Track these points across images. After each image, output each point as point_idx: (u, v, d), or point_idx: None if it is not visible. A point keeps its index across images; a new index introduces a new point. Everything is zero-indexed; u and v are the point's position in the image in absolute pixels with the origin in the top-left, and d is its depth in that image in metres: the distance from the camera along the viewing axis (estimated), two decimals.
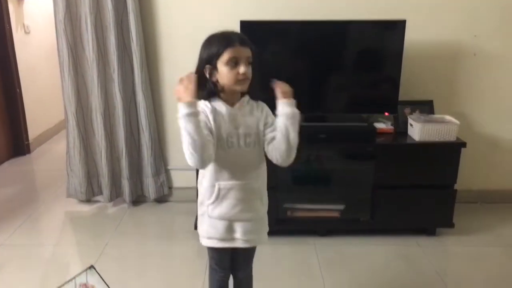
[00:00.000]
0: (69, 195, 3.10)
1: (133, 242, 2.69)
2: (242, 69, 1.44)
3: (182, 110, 1.36)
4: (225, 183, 1.53)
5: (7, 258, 2.50)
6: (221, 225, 1.57)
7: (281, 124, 1.49)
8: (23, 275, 2.35)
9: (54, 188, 3.39)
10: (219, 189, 1.53)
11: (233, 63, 1.44)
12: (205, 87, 1.50)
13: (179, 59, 2.90)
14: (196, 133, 1.35)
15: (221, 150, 1.50)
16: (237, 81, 1.46)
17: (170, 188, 3.16)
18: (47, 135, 4.56)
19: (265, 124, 1.54)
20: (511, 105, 2.96)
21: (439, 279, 2.31)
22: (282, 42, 2.69)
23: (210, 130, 1.47)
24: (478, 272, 2.39)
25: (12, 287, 2.25)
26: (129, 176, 3.00)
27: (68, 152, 3.03)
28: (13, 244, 2.65)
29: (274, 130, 1.52)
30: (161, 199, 3.15)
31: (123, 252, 2.57)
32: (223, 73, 1.46)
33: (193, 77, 1.42)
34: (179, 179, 3.15)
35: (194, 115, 1.36)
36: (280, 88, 1.51)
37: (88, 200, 3.13)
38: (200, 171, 1.59)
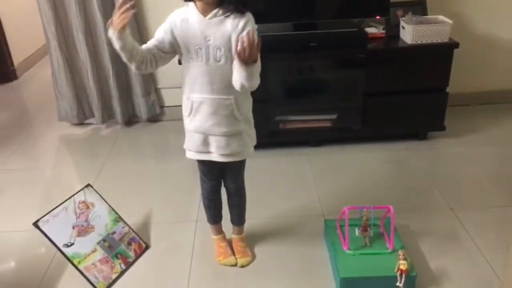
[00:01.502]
0: (60, 119, 3.09)
1: (128, 161, 2.73)
2: None
3: (113, 42, 1.41)
4: (197, 96, 1.52)
5: (5, 182, 2.55)
6: (196, 138, 1.59)
7: (235, 77, 1.42)
8: (22, 198, 2.41)
9: (45, 113, 3.37)
10: (192, 102, 1.54)
11: None
12: None
13: None
14: (123, 54, 1.43)
15: (191, 62, 1.48)
16: None
17: (161, 107, 3.14)
18: (33, 60, 4.44)
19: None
20: (507, 3, 2.84)
21: (429, 180, 2.37)
22: None
23: (172, 43, 1.47)
24: (467, 172, 2.44)
25: (13, 209, 2.32)
26: (119, 96, 2.97)
27: (53, 74, 2.96)
28: (10, 169, 2.68)
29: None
30: (153, 119, 3.15)
31: (119, 172, 2.61)
32: None
33: (127, 5, 1.34)
34: (170, 98, 3.12)
35: (122, 48, 1.41)
36: (239, 48, 1.34)
37: (81, 123, 3.12)
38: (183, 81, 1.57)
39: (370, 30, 2.63)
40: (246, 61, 1.34)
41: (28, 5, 4.17)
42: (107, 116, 3.07)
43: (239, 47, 1.33)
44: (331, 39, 2.51)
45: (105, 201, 2.00)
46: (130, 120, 3.13)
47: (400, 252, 1.72)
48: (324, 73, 2.60)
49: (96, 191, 1.99)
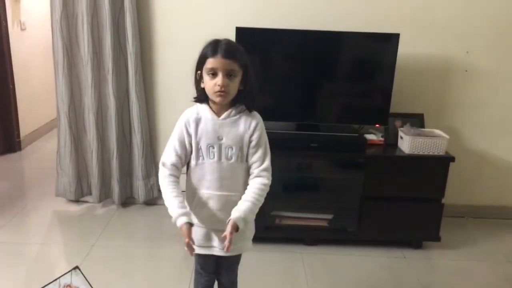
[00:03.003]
0: (58, 194, 3.09)
1: (120, 243, 2.68)
2: (218, 80, 1.44)
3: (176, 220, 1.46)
4: (204, 192, 1.54)
5: None
6: (199, 232, 1.58)
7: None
8: (7, 273, 2.33)
9: (43, 187, 3.37)
10: (199, 198, 1.55)
11: (212, 73, 1.45)
12: (197, 90, 1.53)
13: (173, 62, 2.93)
14: None
15: (201, 159, 1.52)
16: (214, 92, 1.46)
17: (159, 191, 3.15)
18: (39, 133, 4.54)
19: (250, 142, 1.53)
20: (499, 122, 3.00)
21: None
22: (277, 50, 2.71)
23: (184, 143, 1.52)
24: (461, 285, 2.40)
25: None
26: (119, 177, 3.00)
27: (58, 151, 3.02)
28: (0, 242, 2.63)
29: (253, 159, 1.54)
30: (150, 202, 3.15)
31: (109, 254, 2.56)
32: (205, 82, 1.48)
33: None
34: None
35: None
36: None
37: (77, 200, 3.12)
38: (186, 177, 1.60)
39: (369, 136, 2.74)
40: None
41: (44, 80, 4.40)
42: (104, 195, 3.08)
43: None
44: (332, 142, 2.61)
45: (90, 285, 1.94)
46: (127, 201, 3.14)
47: None
48: (323, 173, 2.66)
49: (83, 275, 1.93)
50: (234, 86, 1.48)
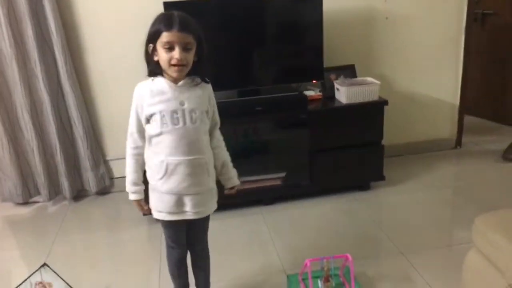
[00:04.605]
0: (4, 199, 2.97)
1: (80, 236, 2.66)
2: (176, 54, 1.46)
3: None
4: (173, 158, 1.56)
5: None
6: (170, 199, 1.62)
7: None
8: None
9: None
10: (167, 165, 1.57)
11: (169, 47, 1.46)
12: (149, 64, 1.53)
13: (102, 45, 2.86)
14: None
15: (165, 127, 1.54)
16: (171, 65, 1.48)
17: (111, 178, 3.13)
18: None
19: (209, 104, 1.64)
20: (422, 62, 3.23)
21: (377, 227, 2.53)
22: (206, 22, 2.70)
23: (140, 118, 1.57)
24: (410, 216, 2.64)
25: None
26: (67, 172, 2.93)
27: None
28: None
29: (213, 126, 1.71)
30: (103, 191, 3.12)
31: (71, 248, 2.53)
32: (161, 55, 1.49)
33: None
34: (119, 169, 3.11)
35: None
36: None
37: (26, 202, 3.01)
38: (146, 148, 1.63)
39: (308, 93, 2.86)
40: None
41: None
42: (54, 192, 3.00)
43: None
44: (274, 103, 2.70)
45: (62, 279, 1.94)
46: (79, 194, 3.08)
47: None
48: (271, 134, 2.75)
49: (53, 270, 1.93)
50: (190, 58, 1.51)
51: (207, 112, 1.62)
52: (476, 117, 4.02)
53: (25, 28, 2.66)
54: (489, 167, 3.18)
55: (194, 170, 1.59)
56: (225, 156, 1.77)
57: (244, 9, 2.67)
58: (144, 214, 2.59)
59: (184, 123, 1.55)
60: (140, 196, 1.67)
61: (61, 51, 2.71)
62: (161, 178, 1.59)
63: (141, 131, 1.61)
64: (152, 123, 1.56)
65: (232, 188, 1.82)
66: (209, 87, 1.65)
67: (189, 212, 1.65)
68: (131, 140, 1.63)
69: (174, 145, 1.55)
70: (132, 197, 1.67)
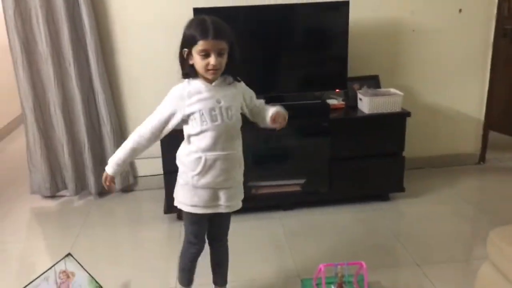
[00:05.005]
0: (33, 192, 3.09)
1: (103, 231, 2.74)
2: (212, 60, 1.55)
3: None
4: (211, 154, 1.64)
5: None
6: (206, 193, 1.69)
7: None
8: None
9: (16, 186, 3.35)
10: (206, 160, 1.64)
11: (204, 54, 1.54)
12: (184, 68, 1.61)
13: (134, 48, 2.96)
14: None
15: (205, 125, 1.61)
16: (207, 70, 1.57)
17: (135, 177, 3.22)
18: (2, 135, 4.45)
19: (244, 99, 1.73)
20: (448, 75, 3.23)
21: (394, 238, 2.53)
22: (235, 27, 2.76)
23: (180, 120, 1.64)
24: (428, 229, 2.63)
25: None
26: (93, 168, 3.04)
27: (28, 148, 3.01)
28: None
29: (255, 104, 1.78)
30: (127, 189, 3.21)
31: (94, 242, 2.62)
32: (196, 61, 1.57)
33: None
34: (144, 168, 3.21)
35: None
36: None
37: (53, 196, 3.13)
38: (183, 145, 1.71)
39: (331, 101, 2.90)
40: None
41: (3, 81, 4.30)
42: (80, 187, 3.11)
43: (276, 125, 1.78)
44: (297, 110, 2.73)
45: (85, 270, 2.02)
46: (103, 190, 3.16)
47: None
48: (292, 140, 2.79)
49: (76, 260, 2.01)
50: (224, 61, 1.59)
51: (241, 108, 1.71)
52: (503, 133, 3.97)
53: (62, 28, 2.79)
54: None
55: (230, 164, 1.68)
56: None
57: (271, 17, 2.74)
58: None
59: (222, 120, 1.62)
60: (116, 175, 1.76)
61: (94, 51, 2.83)
62: (198, 174, 1.66)
63: (158, 130, 1.66)
64: (190, 123, 1.63)
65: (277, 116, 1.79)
66: (241, 84, 1.73)
67: (223, 205, 1.72)
68: (143, 129, 1.68)
69: (214, 141, 1.63)
70: (110, 171, 1.74)
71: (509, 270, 1.41)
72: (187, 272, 1.93)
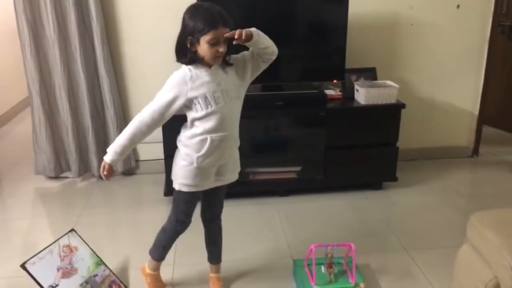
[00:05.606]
0: (37, 172, 3.19)
1: (105, 212, 2.85)
2: (221, 48, 1.62)
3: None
4: (217, 135, 1.72)
5: None
6: (210, 172, 1.80)
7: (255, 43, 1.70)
8: (1, 247, 2.46)
9: (20, 167, 3.46)
10: (212, 141, 1.72)
11: (214, 43, 1.61)
12: (186, 54, 1.67)
13: (139, 33, 3.04)
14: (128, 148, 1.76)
15: (209, 108, 1.68)
16: (216, 57, 1.65)
17: (136, 161, 3.31)
18: (6, 118, 4.54)
19: (241, 70, 1.76)
20: (444, 70, 3.30)
21: (385, 225, 2.63)
22: (236, 17, 2.83)
23: (183, 105, 1.68)
24: (417, 217, 2.73)
25: None
26: (96, 151, 3.13)
27: (34, 129, 3.11)
28: None
29: (249, 57, 1.77)
30: (128, 172, 3.30)
31: (96, 222, 2.72)
32: (204, 49, 1.63)
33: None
34: (145, 153, 3.30)
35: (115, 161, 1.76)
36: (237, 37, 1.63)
37: (57, 176, 3.23)
38: (185, 129, 1.77)
39: (329, 92, 2.98)
40: (246, 41, 1.63)
41: (3, 63, 4.39)
42: (84, 169, 3.21)
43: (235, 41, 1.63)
44: (295, 99, 2.83)
45: (87, 245, 2.11)
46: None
47: (362, 285, 1.93)
48: (289, 128, 2.88)
49: (79, 236, 2.11)
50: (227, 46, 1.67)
51: (245, 75, 1.76)
52: (496, 128, 4.04)
53: (69, 14, 2.86)
54: (504, 177, 3.23)
55: (232, 143, 1.80)
56: None
57: (272, 8, 2.81)
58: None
59: (225, 101, 1.70)
60: (114, 164, 1.75)
61: (99, 37, 2.91)
62: (202, 155, 1.73)
63: (160, 114, 1.69)
64: (194, 108, 1.69)
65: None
66: (233, 61, 1.74)
67: (221, 179, 1.84)
68: (143, 115, 1.70)
69: (219, 122, 1.70)
70: (109, 158, 1.73)
71: (486, 250, 1.50)
72: (166, 249, 2.03)
